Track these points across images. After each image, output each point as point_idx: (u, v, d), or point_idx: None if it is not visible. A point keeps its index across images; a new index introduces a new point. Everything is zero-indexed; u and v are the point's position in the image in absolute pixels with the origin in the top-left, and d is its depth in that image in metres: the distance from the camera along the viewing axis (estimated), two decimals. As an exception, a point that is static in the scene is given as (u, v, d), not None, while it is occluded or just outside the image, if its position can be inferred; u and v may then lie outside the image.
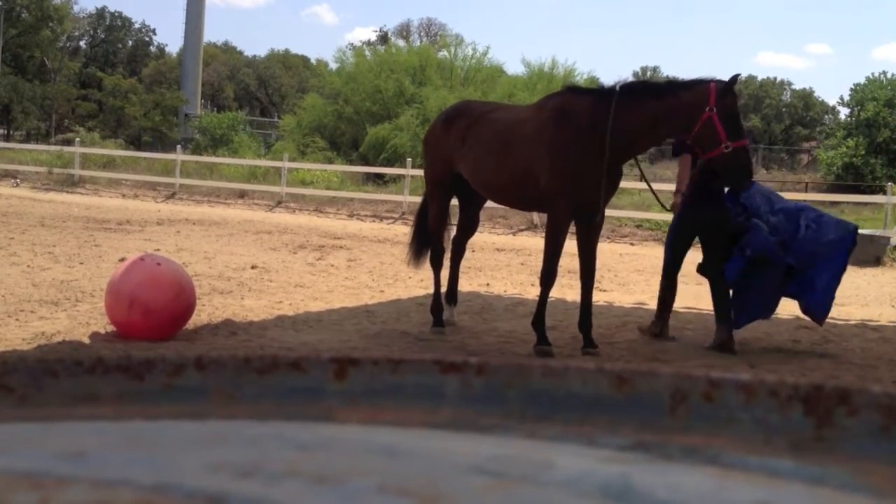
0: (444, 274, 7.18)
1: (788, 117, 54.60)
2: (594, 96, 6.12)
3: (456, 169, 6.74)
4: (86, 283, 7.97)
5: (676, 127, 5.90)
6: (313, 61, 56.07)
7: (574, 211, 6.10)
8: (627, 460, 0.58)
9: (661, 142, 6.56)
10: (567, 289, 9.27)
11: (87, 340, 5.87)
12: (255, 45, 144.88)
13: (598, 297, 9.10)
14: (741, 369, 5.67)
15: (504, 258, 12.66)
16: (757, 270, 6.52)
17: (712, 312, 6.90)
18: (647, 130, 5.89)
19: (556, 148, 5.98)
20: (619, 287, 10.00)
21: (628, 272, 10.93)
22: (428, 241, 7.23)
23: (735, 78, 5.94)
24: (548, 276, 6.24)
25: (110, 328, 6.08)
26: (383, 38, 53.47)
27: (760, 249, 6.44)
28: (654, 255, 11.85)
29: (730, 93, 5.80)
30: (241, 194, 21.98)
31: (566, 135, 5.96)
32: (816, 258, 6.55)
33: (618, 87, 6.04)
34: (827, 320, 7.04)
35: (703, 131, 5.69)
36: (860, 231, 14.95)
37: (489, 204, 7.54)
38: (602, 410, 0.68)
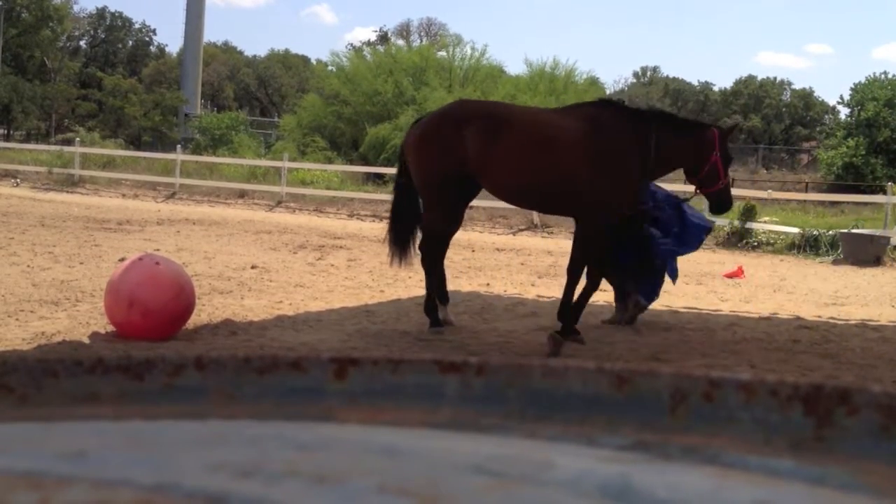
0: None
1: (788, 117, 54.58)
2: (634, 115, 6.57)
3: (469, 170, 6.50)
4: (86, 283, 7.97)
5: (689, 162, 6.55)
6: (313, 61, 56.10)
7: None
8: (627, 460, 0.58)
9: (667, 173, 7.07)
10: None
11: (87, 340, 5.87)
12: (255, 45, 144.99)
13: (597, 297, 9.10)
14: (741, 369, 5.67)
15: (504, 258, 12.65)
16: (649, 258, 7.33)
17: (711, 312, 6.98)
18: (670, 158, 6.48)
19: (609, 160, 6.24)
20: (619, 287, 9.98)
21: (628, 272, 10.90)
22: (407, 237, 7.10)
23: (736, 125, 7.73)
24: (578, 276, 6.44)
25: (110, 328, 6.07)
26: (383, 38, 53.50)
27: (664, 256, 7.27)
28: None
29: (727, 138, 6.67)
30: (241, 194, 21.97)
31: (616, 148, 6.28)
32: (698, 238, 7.43)
33: (650, 112, 6.74)
34: (827, 320, 7.11)
35: (710, 171, 6.49)
36: (860, 231, 15.02)
37: (489, 204, 7.53)
38: (602, 410, 0.68)
